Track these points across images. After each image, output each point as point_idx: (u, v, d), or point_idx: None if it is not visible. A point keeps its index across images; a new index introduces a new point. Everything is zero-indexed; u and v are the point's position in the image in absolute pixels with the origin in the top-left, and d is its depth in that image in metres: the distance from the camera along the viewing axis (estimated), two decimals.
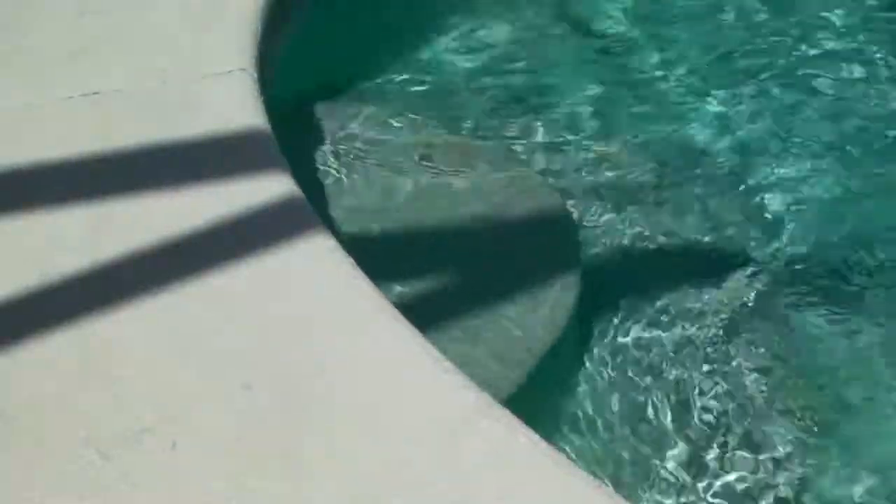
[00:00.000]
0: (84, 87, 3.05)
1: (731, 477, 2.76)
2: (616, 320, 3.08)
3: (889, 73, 3.92)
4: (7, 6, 3.40)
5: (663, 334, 3.05)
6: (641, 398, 2.91)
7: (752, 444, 2.83)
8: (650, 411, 2.89)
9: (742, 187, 3.53)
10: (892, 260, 3.30)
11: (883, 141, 3.69)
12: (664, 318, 3.08)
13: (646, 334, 3.05)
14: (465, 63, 3.99)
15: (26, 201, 2.70)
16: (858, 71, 3.94)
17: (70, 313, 2.42)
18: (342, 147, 3.32)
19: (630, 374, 2.97)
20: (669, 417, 2.88)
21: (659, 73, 3.95)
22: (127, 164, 2.82)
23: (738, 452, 2.81)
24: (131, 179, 2.76)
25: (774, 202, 3.47)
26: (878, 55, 4.00)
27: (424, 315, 2.62)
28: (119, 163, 2.82)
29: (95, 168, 2.81)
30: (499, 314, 2.84)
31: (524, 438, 2.17)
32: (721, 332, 3.07)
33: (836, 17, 4.16)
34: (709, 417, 2.87)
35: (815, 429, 2.87)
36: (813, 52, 4.03)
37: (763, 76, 3.93)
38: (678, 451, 2.81)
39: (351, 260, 2.55)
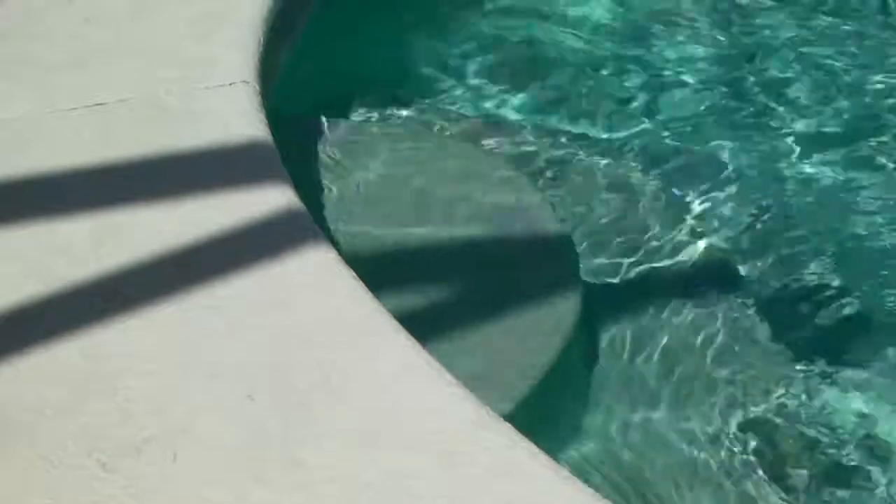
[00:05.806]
0: (88, 97, 3.06)
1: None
2: (618, 333, 3.08)
3: None
4: (11, 16, 3.41)
5: (665, 346, 3.06)
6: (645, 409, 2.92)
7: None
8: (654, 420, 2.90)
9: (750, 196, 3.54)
10: None
11: None
12: (666, 330, 3.09)
13: (647, 346, 3.06)
14: (469, 75, 4.00)
15: (30, 211, 2.71)
16: None
17: (73, 323, 2.43)
18: (344, 159, 3.33)
19: (632, 384, 2.98)
20: (671, 423, 2.89)
21: None
22: (130, 174, 2.83)
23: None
24: (134, 190, 2.77)
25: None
26: None
27: (425, 327, 2.63)
28: (122, 173, 2.83)
29: (99, 178, 2.82)
30: (499, 328, 2.84)
31: (525, 451, 2.18)
32: (723, 337, 3.08)
33: None
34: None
35: None
36: None
37: None
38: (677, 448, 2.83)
39: (352, 272, 2.56)
